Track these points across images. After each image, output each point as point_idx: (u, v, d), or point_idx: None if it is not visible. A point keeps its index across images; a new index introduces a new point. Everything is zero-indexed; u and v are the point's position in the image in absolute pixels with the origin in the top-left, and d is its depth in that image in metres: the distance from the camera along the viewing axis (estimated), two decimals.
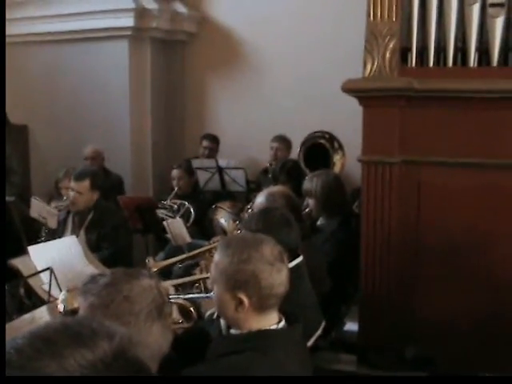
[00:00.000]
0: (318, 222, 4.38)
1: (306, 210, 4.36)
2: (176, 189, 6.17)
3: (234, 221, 5.11)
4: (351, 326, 3.86)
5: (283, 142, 6.43)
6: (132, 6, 6.49)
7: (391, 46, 3.43)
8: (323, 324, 3.04)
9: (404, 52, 3.53)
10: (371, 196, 3.53)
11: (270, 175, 6.22)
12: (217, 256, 2.21)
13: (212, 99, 7.25)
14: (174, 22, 6.94)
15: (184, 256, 4.03)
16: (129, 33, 6.60)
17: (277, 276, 2.12)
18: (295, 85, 6.72)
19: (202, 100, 7.28)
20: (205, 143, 6.82)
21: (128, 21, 6.50)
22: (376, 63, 3.44)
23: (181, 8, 6.99)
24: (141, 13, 6.55)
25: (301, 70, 6.68)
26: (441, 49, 3.48)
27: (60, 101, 7.01)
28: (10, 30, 6.88)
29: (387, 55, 3.43)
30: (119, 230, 5.00)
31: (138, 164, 6.93)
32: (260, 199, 3.70)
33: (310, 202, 4.35)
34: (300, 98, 6.68)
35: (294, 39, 6.71)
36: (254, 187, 6.31)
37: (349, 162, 5.41)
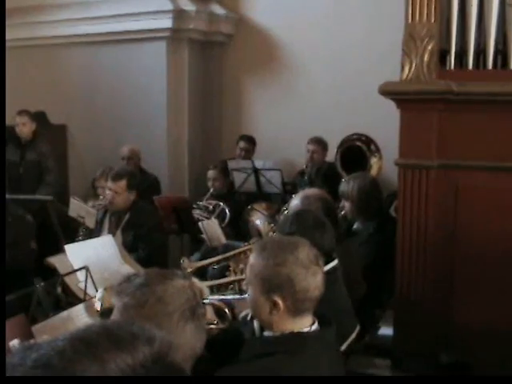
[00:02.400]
0: (354, 226, 4.36)
1: (342, 213, 4.34)
2: (211, 189, 6.20)
3: (269, 223, 5.11)
4: (386, 331, 3.83)
5: (319, 144, 6.41)
6: (170, 7, 6.54)
7: (429, 48, 3.40)
8: (358, 328, 3.03)
9: (443, 54, 3.49)
10: (407, 200, 3.50)
11: (306, 177, 6.22)
12: (252, 258, 2.22)
13: (249, 100, 7.27)
14: (212, 23, 6.97)
15: (219, 257, 4.05)
16: (167, 34, 6.65)
17: (312, 279, 2.12)
18: (332, 87, 6.70)
19: (239, 101, 7.31)
20: (241, 144, 6.85)
21: (166, 22, 6.56)
22: (414, 65, 3.42)
23: (218, 9, 7.02)
24: (178, 14, 6.60)
25: (338, 71, 6.66)
26: (480, 51, 3.44)
27: (98, 101, 7.11)
28: (52, 31, 7.03)
29: (425, 57, 3.40)
30: (155, 231, 5.03)
31: (174, 164, 6.97)
32: (295, 201, 3.70)
33: (346, 205, 4.33)
34: (337, 100, 6.66)
35: (331, 40, 6.69)
36: (289, 189, 6.30)
37: (386, 165, 5.38)
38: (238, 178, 6.40)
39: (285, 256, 2.13)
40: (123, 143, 6.64)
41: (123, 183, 4.97)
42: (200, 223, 4.83)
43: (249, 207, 5.89)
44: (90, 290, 3.27)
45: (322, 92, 6.76)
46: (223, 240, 4.68)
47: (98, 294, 2.82)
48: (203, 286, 3.29)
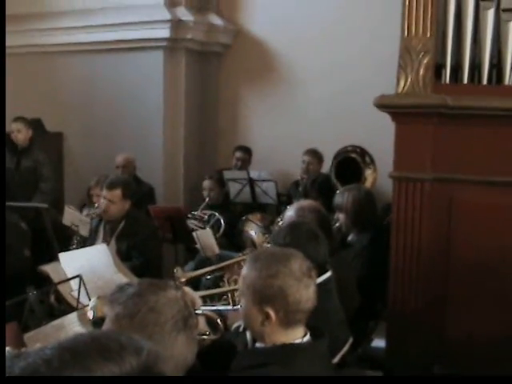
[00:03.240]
0: (349, 238, 4.36)
1: (336, 224, 4.34)
2: (207, 199, 6.20)
3: (264, 234, 5.11)
4: (379, 343, 3.83)
5: (315, 155, 6.42)
6: (168, 17, 6.56)
7: (425, 61, 3.42)
8: (350, 340, 3.02)
9: (438, 68, 3.52)
10: (402, 212, 3.51)
11: (300, 188, 6.22)
12: (245, 269, 2.23)
13: (245, 111, 7.28)
14: (210, 33, 7.00)
15: (213, 267, 4.03)
16: (164, 44, 6.68)
17: (304, 292, 2.13)
18: (328, 99, 6.72)
19: (236, 111, 7.32)
20: (238, 154, 6.86)
21: (164, 32, 6.58)
22: (409, 79, 3.44)
23: (216, 20, 7.05)
24: (176, 24, 6.62)
25: (334, 84, 6.69)
26: (475, 66, 3.46)
27: (95, 110, 7.11)
28: (48, 39, 7.04)
29: (421, 71, 3.42)
30: (150, 240, 5.02)
31: (169, 173, 6.97)
32: (289, 213, 3.70)
33: (341, 216, 4.33)
34: (332, 112, 6.68)
35: (328, 53, 6.73)
36: (284, 200, 6.31)
37: (380, 177, 5.39)
38: (233, 188, 6.40)
39: (277, 268, 2.13)
40: (119, 152, 6.65)
41: (118, 192, 4.96)
42: (194, 233, 4.82)
43: (243, 218, 5.90)
44: (83, 299, 3.26)
45: (318, 104, 6.78)
46: (217, 250, 4.68)
47: (91, 303, 2.81)
48: (196, 296, 3.27)
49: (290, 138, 6.88)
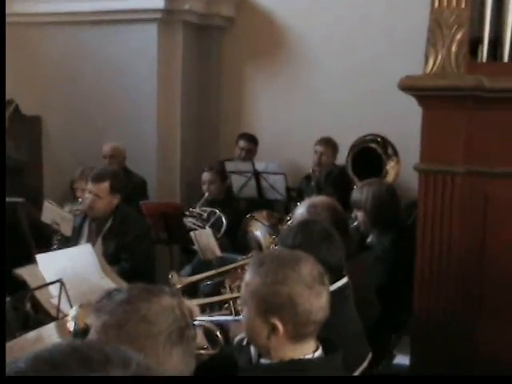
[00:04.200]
0: (368, 239, 4.36)
1: (354, 224, 4.35)
2: (206, 194, 6.21)
3: (271, 234, 5.12)
4: (402, 359, 3.83)
5: (329, 145, 6.43)
6: None
7: (458, 37, 3.39)
8: (369, 356, 3.02)
9: (474, 44, 3.48)
10: (429, 210, 3.50)
11: (313, 183, 6.22)
12: (248, 275, 2.23)
13: (251, 94, 7.28)
14: (210, 4, 6.97)
15: (212, 272, 4.05)
16: (159, 16, 6.65)
17: (316, 300, 2.13)
18: (345, 80, 6.71)
19: (240, 94, 7.32)
20: (241, 143, 6.86)
21: (158, 2, 6.54)
22: (440, 57, 3.41)
23: None
24: None
25: (352, 62, 6.67)
26: None
27: (79, 90, 7.08)
28: (25, 8, 6.93)
29: (453, 48, 3.40)
30: (141, 240, 5.03)
31: (164, 165, 7.00)
32: (300, 210, 3.70)
33: (359, 215, 4.34)
34: (350, 95, 6.67)
35: (345, 26, 6.70)
36: (294, 196, 6.31)
37: (404, 170, 5.37)
38: (236, 181, 6.41)
39: (285, 273, 2.14)
40: (106, 139, 6.66)
41: (105, 185, 4.97)
42: (192, 233, 4.82)
43: (248, 216, 5.89)
44: (64, 307, 3.26)
45: (333, 86, 6.77)
46: (218, 253, 4.68)
47: (73, 312, 2.82)
48: (193, 304, 3.29)
49: (302, 124, 6.88)
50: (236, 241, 5.85)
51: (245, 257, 4.20)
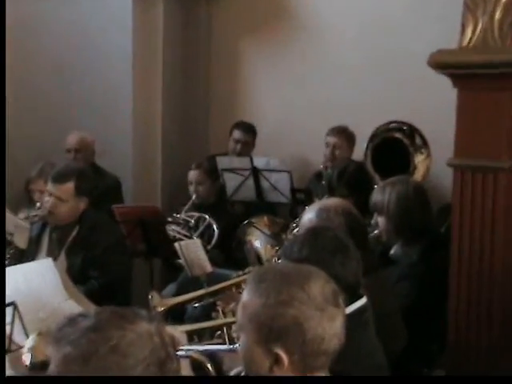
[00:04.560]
0: (392, 251, 4.35)
1: (375, 232, 4.33)
2: (194, 197, 6.22)
3: (273, 245, 5.11)
4: None
5: (343, 135, 6.43)
6: None
7: (504, 0, 3.38)
8: None
9: None
10: (466, 214, 3.49)
11: (324, 182, 6.21)
12: (246, 294, 2.23)
13: (247, 74, 7.30)
14: None
15: (202, 292, 4.06)
16: None
17: (328, 325, 2.13)
18: (363, 58, 6.71)
19: (234, 75, 7.34)
20: (236, 135, 6.87)
21: None
22: (480, 27, 3.40)
23: None
24: None
25: (372, 37, 6.67)
26: None
27: (37, 68, 7.06)
28: None
29: (497, 15, 3.38)
30: (114, 253, 5.01)
31: (142, 161, 7.00)
32: (309, 216, 3.69)
33: (381, 221, 4.32)
34: (369, 77, 6.67)
35: None
36: (301, 198, 6.28)
37: (436, 166, 5.36)
38: (230, 181, 6.40)
39: (291, 292, 2.13)
40: (70, 129, 6.64)
41: (69, 186, 4.95)
42: (177, 244, 4.80)
43: (245, 223, 5.90)
44: (18, 336, 3.25)
45: (348, 65, 6.77)
46: (208, 268, 4.66)
47: (29, 342, 2.80)
48: (178, 331, 3.29)
49: (310, 112, 6.89)
50: (230, 253, 5.87)
51: (241, 273, 4.19)
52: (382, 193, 4.34)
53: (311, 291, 2.15)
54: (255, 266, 4.70)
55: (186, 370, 2.70)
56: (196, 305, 4.21)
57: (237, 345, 2.37)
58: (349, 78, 6.77)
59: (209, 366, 2.85)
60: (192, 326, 3.72)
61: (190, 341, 3.47)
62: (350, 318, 2.30)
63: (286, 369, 2.11)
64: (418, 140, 5.59)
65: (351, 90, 6.75)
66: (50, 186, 5.02)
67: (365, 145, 5.69)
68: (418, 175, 5.45)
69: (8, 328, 3.29)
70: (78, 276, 4.65)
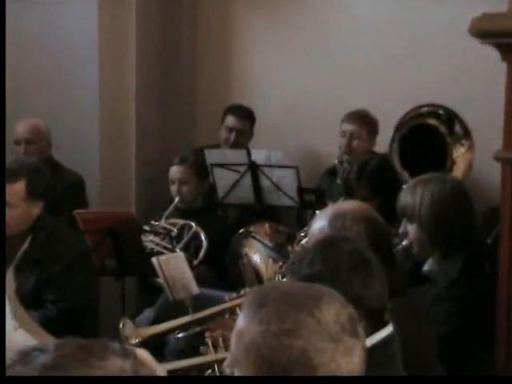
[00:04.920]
0: (425, 267, 4.36)
1: (403, 243, 4.34)
2: (177, 200, 6.23)
3: (276, 259, 5.12)
4: None
5: (363, 122, 6.44)
6: None
7: None
8: None
9: None
10: None
11: (339, 180, 6.22)
12: (242, 321, 2.24)
13: (244, 46, 7.32)
14: None
15: (187, 319, 4.06)
16: None
17: (344, 360, 2.13)
18: (387, 27, 6.73)
19: (227, 47, 7.36)
20: (230, 121, 6.89)
21: None
22: None
23: None
24: None
25: (397, 1, 6.70)
26: None
27: None
28: None
29: None
30: (76, 271, 5.02)
31: (111, 156, 7.03)
32: (320, 223, 3.69)
33: (411, 229, 4.32)
34: (394, 50, 6.70)
35: None
36: (311, 200, 6.28)
37: (480, 160, 5.37)
38: (222, 180, 6.42)
39: (298, 318, 2.14)
40: (19, 115, 6.66)
41: (19, 188, 4.95)
42: (155, 259, 4.82)
43: (241, 232, 5.90)
44: None
45: (368, 37, 6.81)
46: (195, 289, 4.67)
47: None
48: (159, 369, 3.29)
49: (322, 93, 6.92)
50: (222, 270, 5.88)
51: (236, 294, 4.20)
52: (412, 194, 4.35)
53: (323, 317, 2.15)
54: (254, 285, 4.68)
55: None
56: (179, 335, 4.22)
57: None
58: (370, 57, 6.80)
59: None
60: (174, 363, 3.71)
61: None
62: (373, 351, 2.31)
63: None
64: (457, 128, 5.58)
65: (373, 69, 6.78)
66: None
67: (390, 134, 5.71)
68: (457, 172, 5.46)
69: None
70: (30, 299, 4.66)
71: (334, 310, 2.18)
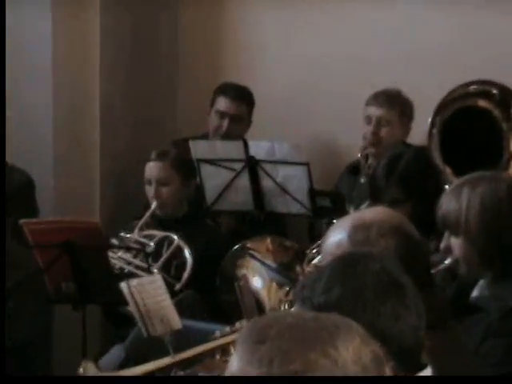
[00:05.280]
0: (474, 292, 4.34)
1: (446, 262, 4.32)
2: (154, 205, 6.24)
3: (280, 283, 5.12)
4: None
5: (393, 105, 6.46)
6: None
7: None
8: None
9: None
10: None
11: (362, 179, 6.21)
12: (237, 361, 2.20)
13: (237, 12, 7.39)
14: None
15: (166, 361, 4.06)
16: None
17: None
18: None
19: (216, 14, 7.41)
20: (222, 104, 6.94)
21: None
22: None
23: None
24: None
25: None
26: None
27: None
28: None
29: None
30: (22, 298, 5.03)
31: (69, 149, 7.05)
32: (338, 236, 3.66)
33: (456, 244, 4.30)
34: (432, 17, 6.75)
35: None
36: (326, 206, 6.29)
37: None
38: (213, 179, 6.44)
39: (308, 357, 2.11)
40: None
41: None
42: (125, 283, 4.82)
43: (236, 248, 5.88)
44: None
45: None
46: (176, 322, 4.68)
47: None
48: None
49: (338, 70, 6.97)
50: (212, 297, 5.86)
51: (229, 329, 4.21)
52: (456, 198, 4.32)
53: (340, 357, 2.12)
54: (253, 316, 4.67)
55: None
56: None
57: None
58: (404, 13, 6.83)
59: None
60: None
61: None
62: None
63: None
64: None
65: (405, 32, 6.81)
66: None
67: (429, 120, 5.70)
68: None
69: None
70: None
71: (353, 348, 2.16)
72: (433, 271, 3.96)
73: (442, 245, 4.35)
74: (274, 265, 5.66)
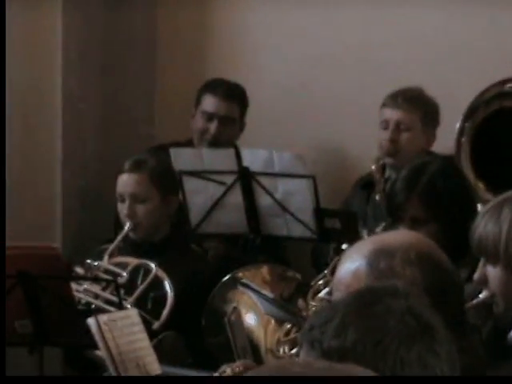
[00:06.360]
0: None
1: (481, 296, 4.27)
2: (127, 226, 6.21)
3: (280, 319, 5.07)
4: None
5: (415, 106, 6.48)
6: None
7: None
8: None
9: None
10: None
11: (378, 195, 6.17)
12: None
13: (224, 8, 7.41)
14: None
15: None
16: None
17: None
18: None
19: (202, 9, 7.43)
20: (209, 104, 6.97)
21: None
22: None
23: None
24: None
25: None
26: None
27: None
28: None
29: None
30: None
31: (26, 157, 7.03)
32: (353, 264, 3.61)
33: (493, 274, 4.26)
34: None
35: None
36: (335, 228, 6.26)
37: None
38: (198, 196, 6.42)
39: None
40: None
41: None
42: (92, 320, 4.78)
43: (227, 278, 5.84)
44: None
45: None
46: (155, 367, 4.64)
47: None
48: None
49: (347, 66, 6.97)
50: (197, 338, 5.83)
51: (217, 374, 4.16)
52: (494, 220, 4.28)
53: None
54: (245, 359, 4.64)
55: None
56: None
57: None
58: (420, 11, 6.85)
59: None
60: None
61: None
62: None
63: None
64: None
65: (428, 20, 6.79)
66: None
67: (457, 125, 5.67)
68: None
69: None
70: None
71: None
72: (466, 306, 3.91)
73: (477, 275, 4.30)
74: (271, 296, 5.62)
